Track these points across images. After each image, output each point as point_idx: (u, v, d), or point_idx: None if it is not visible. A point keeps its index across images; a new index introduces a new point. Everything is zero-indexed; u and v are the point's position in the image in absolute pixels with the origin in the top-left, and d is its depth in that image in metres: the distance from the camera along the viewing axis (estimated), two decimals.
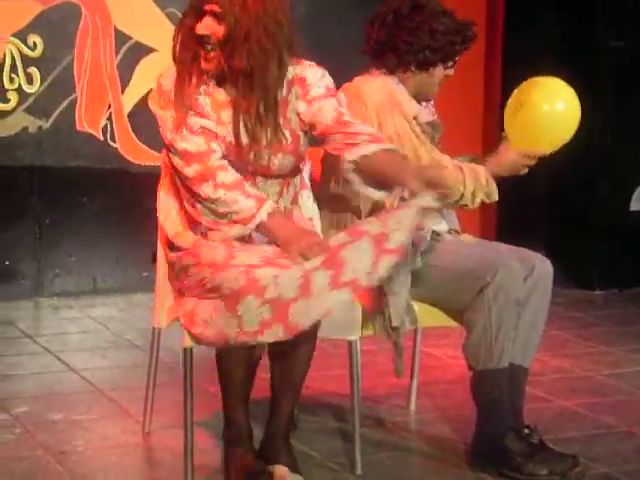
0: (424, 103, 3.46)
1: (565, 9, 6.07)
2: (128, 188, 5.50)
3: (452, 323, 3.38)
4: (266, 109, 2.95)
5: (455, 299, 3.29)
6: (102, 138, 5.57)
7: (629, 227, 5.98)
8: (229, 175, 2.94)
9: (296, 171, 3.11)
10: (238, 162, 3.00)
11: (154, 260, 3.23)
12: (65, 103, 5.49)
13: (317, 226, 3.16)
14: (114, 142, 5.59)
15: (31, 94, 5.44)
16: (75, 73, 5.49)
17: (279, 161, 3.03)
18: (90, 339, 4.83)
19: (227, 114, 2.99)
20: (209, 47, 2.92)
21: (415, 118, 3.34)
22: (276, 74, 2.94)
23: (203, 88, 2.99)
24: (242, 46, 2.89)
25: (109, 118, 5.56)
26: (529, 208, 6.43)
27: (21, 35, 5.38)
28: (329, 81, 3.07)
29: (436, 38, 3.33)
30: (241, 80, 2.93)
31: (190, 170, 2.95)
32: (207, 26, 2.90)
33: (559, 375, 4.36)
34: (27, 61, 5.41)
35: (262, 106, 2.95)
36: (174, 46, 2.99)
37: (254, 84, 2.93)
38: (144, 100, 5.48)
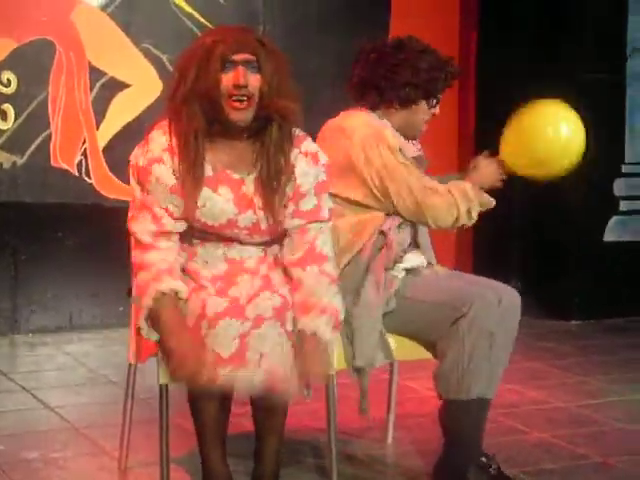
0: (410, 141, 3.48)
1: (534, 40, 6.14)
2: (103, 223, 5.50)
3: (428, 355, 3.38)
4: (276, 174, 2.93)
5: (430, 331, 3.29)
6: (77, 174, 5.57)
7: (604, 258, 6.01)
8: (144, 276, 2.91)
9: (278, 240, 3.05)
10: (215, 233, 2.98)
11: (130, 294, 3.23)
12: (40, 139, 5.50)
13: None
14: (89, 177, 5.59)
15: (5, 130, 5.45)
16: (49, 109, 5.50)
17: (256, 239, 3.01)
18: (66, 376, 4.80)
19: (204, 195, 2.92)
20: (244, 98, 2.86)
21: (400, 150, 3.35)
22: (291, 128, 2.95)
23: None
24: (278, 96, 2.87)
25: (84, 154, 5.57)
26: (505, 239, 6.47)
27: None
28: (321, 176, 3.01)
29: (418, 75, 3.35)
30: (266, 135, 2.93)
31: (135, 252, 2.96)
32: (244, 75, 2.85)
33: (535, 406, 4.36)
34: (1, 98, 5.42)
35: (273, 168, 2.92)
36: (171, 121, 2.92)
37: (278, 136, 2.92)
38: (119, 135, 5.50)
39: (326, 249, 3.01)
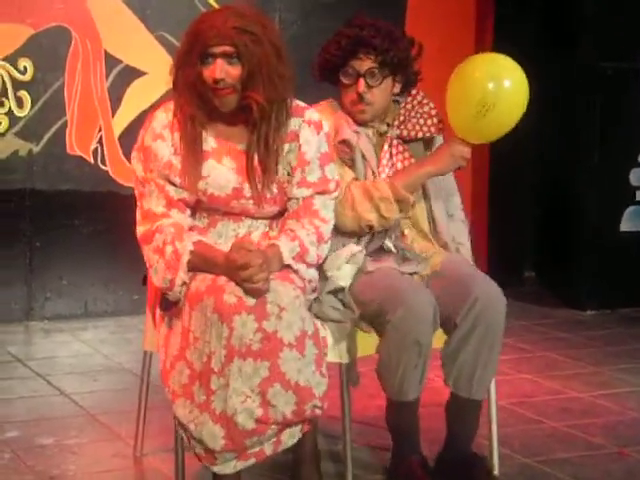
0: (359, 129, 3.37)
1: (551, 29, 6.12)
2: (118, 211, 5.48)
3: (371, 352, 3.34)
4: (268, 150, 2.96)
5: (371, 327, 3.26)
6: (93, 161, 5.58)
7: (619, 247, 5.99)
8: (160, 238, 2.93)
9: (283, 212, 3.09)
10: (222, 208, 3.02)
11: (145, 282, 3.23)
12: (56, 127, 5.51)
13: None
14: (105, 165, 5.60)
15: (21, 118, 5.45)
16: (65, 96, 5.51)
17: (263, 210, 3.04)
18: (81, 363, 4.82)
19: (209, 166, 2.98)
20: (223, 91, 2.90)
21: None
22: (284, 114, 2.98)
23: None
24: (261, 81, 2.90)
25: (99, 141, 5.57)
26: (520, 229, 6.46)
27: (11, 59, 5.40)
28: (324, 146, 3.05)
29: (321, 53, 3.36)
30: (253, 118, 2.95)
31: (140, 228, 3.00)
32: (222, 69, 2.88)
33: (550, 396, 4.36)
34: (17, 85, 5.42)
35: (265, 145, 2.95)
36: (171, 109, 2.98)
37: (266, 121, 2.94)
38: (134, 123, 5.49)
39: (324, 212, 3.04)
